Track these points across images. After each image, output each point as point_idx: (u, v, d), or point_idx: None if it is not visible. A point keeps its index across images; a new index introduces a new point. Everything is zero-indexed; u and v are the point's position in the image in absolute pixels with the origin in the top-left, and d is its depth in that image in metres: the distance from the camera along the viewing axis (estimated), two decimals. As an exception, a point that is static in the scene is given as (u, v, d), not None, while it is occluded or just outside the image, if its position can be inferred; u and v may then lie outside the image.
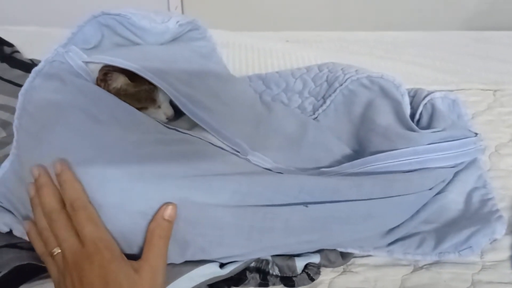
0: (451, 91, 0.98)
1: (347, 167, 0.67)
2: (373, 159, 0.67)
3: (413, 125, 0.71)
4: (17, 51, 1.01)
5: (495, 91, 1.00)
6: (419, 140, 0.66)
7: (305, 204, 0.58)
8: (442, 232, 0.66)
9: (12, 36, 1.08)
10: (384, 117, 0.73)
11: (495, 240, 0.66)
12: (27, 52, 1.05)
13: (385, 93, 0.77)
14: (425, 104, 0.77)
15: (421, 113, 0.77)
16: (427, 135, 0.67)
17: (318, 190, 0.59)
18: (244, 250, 0.59)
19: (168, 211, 0.52)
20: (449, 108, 0.79)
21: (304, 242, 0.61)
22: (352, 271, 0.65)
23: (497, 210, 0.68)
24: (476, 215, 0.68)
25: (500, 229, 0.65)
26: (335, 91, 0.80)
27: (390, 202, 0.61)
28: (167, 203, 0.53)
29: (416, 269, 0.65)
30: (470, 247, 0.64)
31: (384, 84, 0.77)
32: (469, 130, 0.70)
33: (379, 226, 0.64)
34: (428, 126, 0.73)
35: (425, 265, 0.65)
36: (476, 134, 0.69)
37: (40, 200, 0.54)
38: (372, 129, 0.74)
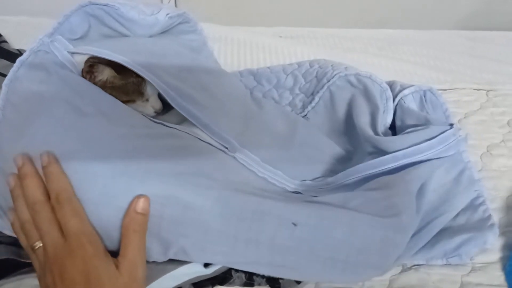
0: (444, 90, 0.97)
1: (331, 181, 0.67)
2: (353, 171, 0.65)
3: (379, 133, 0.71)
4: (5, 41, 0.99)
5: (488, 91, 0.99)
6: (389, 145, 0.65)
7: (294, 223, 0.55)
8: (433, 238, 0.64)
9: (1, 25, 1.06)
10: (362, 118, 0.73)
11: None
12: (16, 43, 1.03)
13: (368, 94, 0.76)
14: (396, 105, 0.76)
15: (396, 114, 0.76)
16: (395, 140, 0.66)
17: (303, 214, 0.56)
18: (228, 259, 0.57)
19: (141, 204, 0.51)
20: (421, 101, 0.78)
21: (292, 265, 0.57)
22: (340, 271, 0.64)
23: (489, 216, 0.66)
24: (467, 222, 0.67)
25: (492, 239, 0.64)
26: (323, 87, 0.79)
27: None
28: (138, 196, 0.51)
29: (405, 269, 0.64)
30: (459, 255, 0.63)
31: (369, 85, 0.76)
32: (445, 122, 0.68)
33: (376, 264, 0.58)
34: (404, 127, 0.72)
35: (413, 266, 0.65)
36: (452, 124, 0.66)
37: (23, 191, 0.52)
38: (354, 128, 0.73)
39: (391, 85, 0.79)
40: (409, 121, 0.72)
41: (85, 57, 0.62)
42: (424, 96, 0.78)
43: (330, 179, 0.67)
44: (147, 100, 0.66)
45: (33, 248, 0.51)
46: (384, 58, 1.14)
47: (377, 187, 0.61)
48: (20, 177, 0.53)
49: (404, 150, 0.64)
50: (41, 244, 0.50)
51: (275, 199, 0.57)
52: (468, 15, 1.57)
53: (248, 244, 0.55)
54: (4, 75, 0.60)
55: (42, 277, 0.50)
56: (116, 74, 0.62)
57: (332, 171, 0.71)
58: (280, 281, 0.60)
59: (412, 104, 0.77)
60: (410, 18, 1.54)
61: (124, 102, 0.61)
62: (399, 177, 0.61)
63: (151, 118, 0.63)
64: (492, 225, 0.65)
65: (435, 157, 0.64)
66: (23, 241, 0.53)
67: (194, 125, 0.65)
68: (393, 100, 0.77)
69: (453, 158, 0.67)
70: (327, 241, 0.55)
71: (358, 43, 1.21)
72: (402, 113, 0.75)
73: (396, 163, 0.64)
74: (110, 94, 0.60)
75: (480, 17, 1.54)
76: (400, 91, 0.77)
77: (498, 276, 0.63)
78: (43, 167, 0.52)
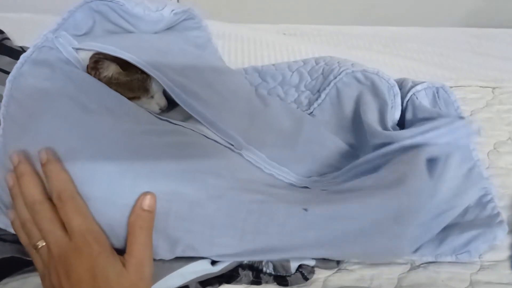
0: (450, 87, 0.96)
1: (338, 175, 0.66)
2: (361, 162, 0.65)
3: (389, 129, 0.70)
4: (7, 38, 0.99)
5: (494, 88, 0.99)
6: (397, 138, 0.65)
7: (305, 208, 0.55)
8: (441, 234, 0.64)
9: (4, 23, 1.05)
10: (370, 114, 0.72)
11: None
12: (19, 40, 1.02)
13: (375, 90, 0.75)
14: (408, 100, 0.76)
15: (407, 110, 0.75)
16: (405, 132, 0.66)
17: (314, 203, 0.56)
18: (236, 251, 0.57)
19: (147, 201, 0.51)
20: (434, 97, 0.77)
21: (304, 246, 0.57)
22: (347, 269, 0.63)
23: (498, 213, 0.66)
24: (476, 218, 0.66)
25: (501, 235, 0.63)
26: (329, 84, 0.79)
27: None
28: (144, 193, 0.51)
29: (413, 267, 0.64)
30: (468, 251, 0.62)
31: (377, 81, 0.76)
32: (456, 115, 0.68)
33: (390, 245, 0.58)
34: (415, 122, 0.72)
35: (422, 264, 0.64)
36: (463, 117, 0.66)
37: (21, 190, 0.51)
38: (361, 125, 0.72)
39: (402, 81, 0.79)
40: (421, 117, 0.72)
41: (90, 53, 0.61)
42: (437, 93, 0.77)
43: (337, 173, 0.67)
44: (152, 97, 0.66)
45: (35, 247, 0.50)
46: (388, 56, 1.14)
47: (385, 168, 0.61)
48: (16, 176, 0.52)
49: (412, 139, 0.63)
50: (44, 243, 0.50)
51: (283, 190, 0.57)
52: (472, 13, 1.56)
53: (257, 235, 0.55)
54: (7, 72, 0.60)
55: (46, 276, 0.49)
56: (121, 70, 0.61)
57: (339, 169, 0.70)
58: (288, 278, 0.60)
59: (424, 100, 0.76)
60: (414, 15, 1.53)
61: (129, 98, 0.61)
62: (404, 156, 0.61)
63: (156, 115, 0.63)
64: (501, 221, 0.65)
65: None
66: (24, 240, 0.53)
67: (199, 122, 0.64)
68: (406, 96, 0.76)
69: (463, 154, 0.67)
70: (338, 218, 0.55)
71: (363, 40, 1.20)
72: (413, 109, 0.74)
73: None
74: (115, 90, 0.60)
75: (484, 14, 1.53)
76: (412, 87, 0.76)
77: (507, 274, 0.63)
78: (42, 165, 0.51)
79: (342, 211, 0.55)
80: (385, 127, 0.70)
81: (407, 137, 0.64)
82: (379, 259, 0.63)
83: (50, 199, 0.51)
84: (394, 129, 0.72)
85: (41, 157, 0.51)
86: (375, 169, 0.63)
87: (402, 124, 0.75)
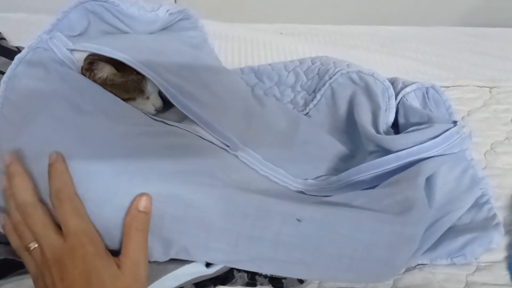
0: (447, 87, 0.97)
1: (334, 181, 0.66)
2: (356, 171, 0.65)
3: (381, 132, 0.70)
4: (3, 38, 0.99)
5: (492, 88, 0.99)
6: (391, 144, 0.65)
7: (298, 219, 0.53)
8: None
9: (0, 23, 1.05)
10: (363, 116, 0.72)
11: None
12: (15, 40, 1.02)
13: (369, 92, 0.75)
14: (398, 103, 0.75)
15: (399, 112, 0.75)
16: (399, 138, 0.66)
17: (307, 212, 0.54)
18: (230, 257, 0.55)
19: (143, 202, 0.50)
20: (424, 98, 0.77)
21: (297, 262, 0.55)
22: (343, 270, 0.63)
23: (494, 215, 0.66)
24: (472, 221, 0.66)
25: (497, 239, 0.63)
26: (324, 84, 0.78)
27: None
28: (140, 194, 0.50)
29: (409, 269, 0.63)
30: (464, 255, 0.62)
31: (371, 83, 0.75)
32: (449, 120, 0.68)
33: (384, 260, 0.55)
34: (407, 125, 0.71)
35: (417, 265, 0.64)
36: (456, 122, 0.66)
37: (12, 191, 0.51)
38: (355, 126, 0.72)
39: (392, 82, 0.78)
40: (412, 119, 0.72)
41: (85, 55, 0.61)
42: (427, 93, 0.76)
43: (332, 179, 0.66)
44: (148, 98, 0.66)
45: (28, 249, 0.50)
46: (386, 55, 1.13)
47: (381, 186, 0.60)
48: (8, 176, 0.52)
49: (408, 150, 0.63)
50: (36, 245, 0.49)
51: (278, 196, 0.56)
52: (470, 12, 1.56)
53: (252, 242, 0.54)
54: (3, 73, 0.60)
55: (39, 278, 0.49)
56: (116, 71, 0.61)
57: (335, 169, 0.70)
58: (283, 280, 0.60)
59: (414, 101, 0.76)
60: (412, 14, 1.53)
61: (124, 100, 0.61)
62: (403, 175, 0.61)
63: (152, 116, 0.62)
64: (497, 224, 0.64)
65: (439, 155, 0.63)
66: (15, 243, 0.52)
67: (195, 123, 0.64)
68: (396, 98, 0.76)
69: (456, 155, 0.66)
70: (332, 237, 0.53)
71: (360, 40, 1.20)
72: (404, 111, 0.74)
73: (400, 163, 0.63)
74: (110, 91, 0.60)
75: (482, 13, 1.53)
76: (402, 88, 0.76)
77: (503, 275, 0.63)
78: (49, 165, 0.50)
79: (334, 229, 0.53)
80: (377, 130, 0.70)
81: (402, 144, 0.64)
82: (363, 282, 0.61)
83: (41, 201, 0.51)
84: (388, 132, 0.71)
85: (51, 157, 0.50)
86: (371, 180, 0.64)
87: (397, 123, 0.75)
